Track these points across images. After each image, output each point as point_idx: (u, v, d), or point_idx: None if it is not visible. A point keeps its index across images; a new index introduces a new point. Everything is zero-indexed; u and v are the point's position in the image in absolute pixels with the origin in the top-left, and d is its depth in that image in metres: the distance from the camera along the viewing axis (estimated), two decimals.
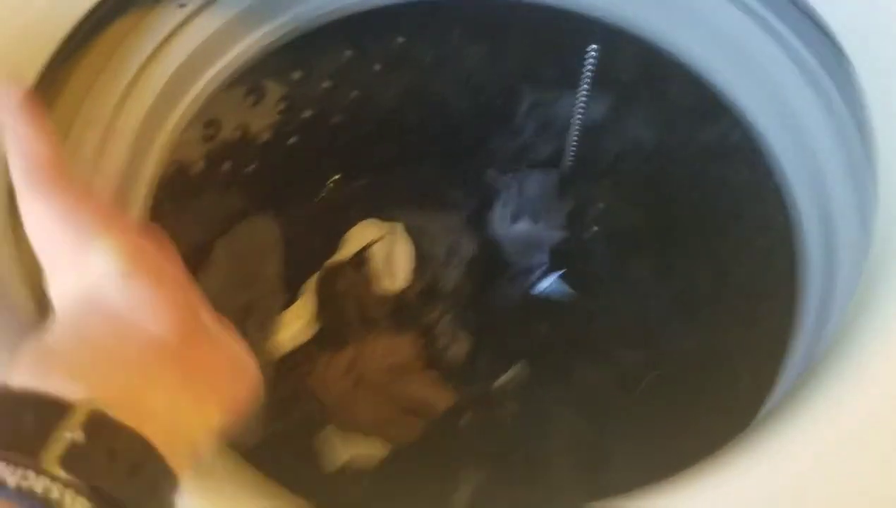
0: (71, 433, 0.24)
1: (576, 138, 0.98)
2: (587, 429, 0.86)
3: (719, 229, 0.88)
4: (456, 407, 0.87)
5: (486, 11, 0.80)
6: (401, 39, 0.87)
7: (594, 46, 0.83)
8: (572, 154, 1.01)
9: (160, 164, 0.60)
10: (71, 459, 0.24)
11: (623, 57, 0.83)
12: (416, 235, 0.98)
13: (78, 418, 0.24)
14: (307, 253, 0.97)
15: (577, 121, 0.95)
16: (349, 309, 0.93)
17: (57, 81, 0.54)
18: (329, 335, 0.93)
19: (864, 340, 0.40)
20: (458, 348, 0.94)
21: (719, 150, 0.83)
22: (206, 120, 0.74)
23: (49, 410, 0.24)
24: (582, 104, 0.92)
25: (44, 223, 0.30)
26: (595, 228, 1.04)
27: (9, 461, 0.23)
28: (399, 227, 0.98)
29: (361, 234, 0.97)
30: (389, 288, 0.95)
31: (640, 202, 1.02)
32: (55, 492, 0.23)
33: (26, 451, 0.23)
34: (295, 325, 0.90)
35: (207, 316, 0.34)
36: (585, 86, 0.89)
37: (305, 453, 0.86)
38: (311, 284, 0.94)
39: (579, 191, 1.05)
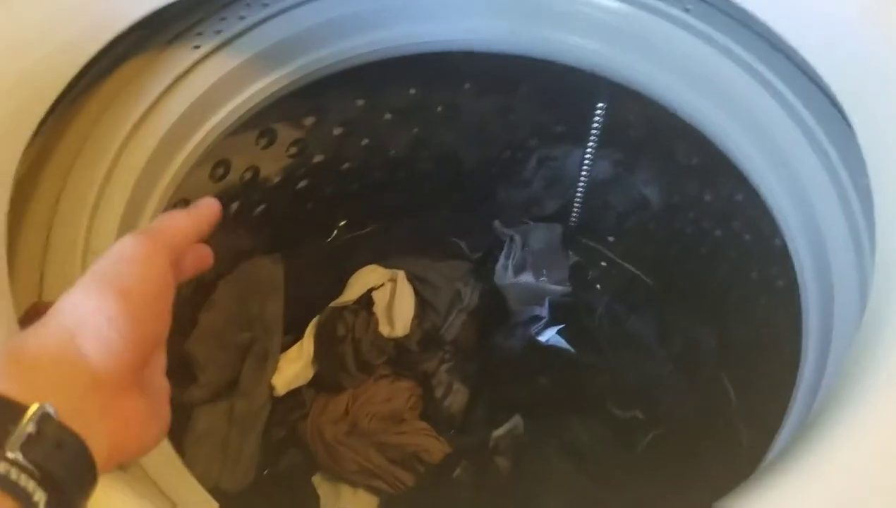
0: (28, 428, 0.30)
1: (581, 194, 0.99)
2: (584, 486, 0.84)
3: (722, 288, 0.88)
4: (450, 458, 0.87)
5: (496, 66, 0.81)
6: (412, 91, 0.88)
7: (601, 104, 0.84)
8: (578, 210, 1.02)
9: (165, 199, 0.60)
10: (27, 449, 0.30)
11: (630, 115, 0.84)
12: (418, 283, 0.98)
13: (34, 416, 0.30)
14: (311, 295, 0.97)
15: (584, 178, 0.96)
16: (347, 353, 0.92)
17: (69, 113, 0.55)
18: (327, 379, 0.92)
19: (856, 399, 0.40)
20: (456, 398, 0.93)
21: (724, 210, 0.84)
22: (216, 160, 0.76)
23: (11, 409, 0.31)
24: (588, 160, 0.93)
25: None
26: (598, 286, 1.04)
27: None
28: (401, 275, 0.98)
29: (364, 279, 0.98)
30: (390, 335, 0.95)
31: (644, 259, 1.03)
32: (14, 473, 0.29)
33: None
34: (293, 367, 0.90)
35: (154, 372, 0.40)
36: (592, 143, 0.90)
37: (291, 501, 0.85)
38: (313, 326, 0.94)
39: (584, 246, 1.05)
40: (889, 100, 0.48)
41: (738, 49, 0.64)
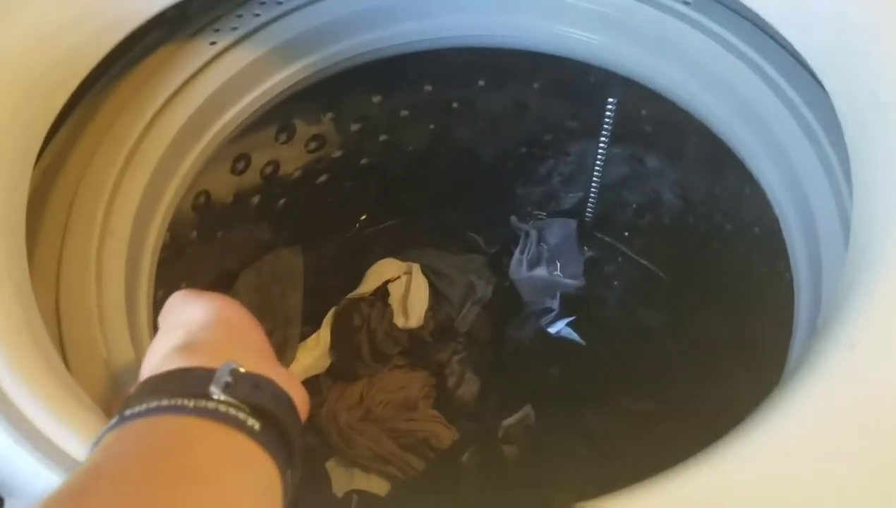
0: (224, 378, 0.34)
1: (596, 190, 1.00)
2: (594, 468, 0.86)
3: (732, 282, 0.89)
4: (459, 444, 0.88)
5: (509, 62, 0.83)
6: (427, 87, 0.91)
7: (612, 99, 0.86)
8: (593, 205, 1.03)
9: (183, 188, 0.64)
10: (228, 391, 0.33)
11: (640, 110, 0.86)
12: (433, 275, 1.01)
13: (225, 370, 0.34)
14: (329, 287, 1.00)
15: (598, 173, 0.98)
16: (363, 343, 0.95)
17: (92, 105, 0.59)
18: (343, 368, 0.95)
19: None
20: (468, 387, 0.95)
21: (733, 204, 0.85)
22: (236, 155, 0.79)
23: (204, 372, 0.35)
24: (601, 156, 0.94)
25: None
26: (614, 282, 1.05)
27: (185, 396, 0.33)
28: (416, 267, 1.00)
29: (381, 272, 1.00)
30: (404, 326, 0.97)
31: (659, 254, 1.03)
32: (223, 407, 0.33)
33: (195, 393, 0.33)
34: (311, 356, 0.93)
35: None
36: (605, 138, 0.91)
37: (306, 484, 0.87)
38: (330, 317, 0.97)
39: (599, 242, 1.06)
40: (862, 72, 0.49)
41: (736, 41, 0.65)
